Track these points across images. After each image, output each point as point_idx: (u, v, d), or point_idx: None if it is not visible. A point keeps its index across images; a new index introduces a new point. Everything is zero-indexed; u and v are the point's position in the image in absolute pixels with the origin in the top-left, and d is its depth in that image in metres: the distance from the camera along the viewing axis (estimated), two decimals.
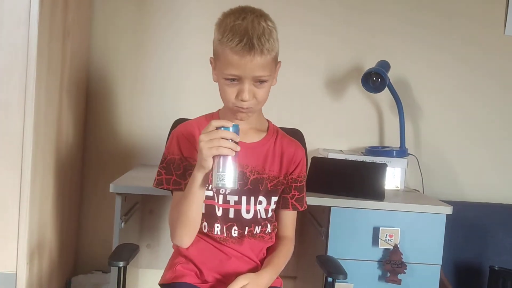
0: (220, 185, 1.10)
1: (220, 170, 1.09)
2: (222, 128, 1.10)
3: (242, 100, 1.19)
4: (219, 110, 1.35)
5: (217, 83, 1.26)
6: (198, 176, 1.14)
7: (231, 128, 1.10)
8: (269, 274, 1.26)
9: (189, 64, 2.17)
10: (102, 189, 2.06)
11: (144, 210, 2.11)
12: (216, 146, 1.08)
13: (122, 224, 1.68)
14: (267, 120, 1.38)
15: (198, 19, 2.16)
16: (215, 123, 1.11)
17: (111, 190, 1.63)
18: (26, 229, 1.54)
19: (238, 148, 1.11)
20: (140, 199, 2.02)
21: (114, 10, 2.14)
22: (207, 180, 1.15)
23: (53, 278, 1.86)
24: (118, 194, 1.65)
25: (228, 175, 1.10)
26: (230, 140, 1.10)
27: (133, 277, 2.03)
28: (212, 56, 1.27)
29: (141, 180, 1.77)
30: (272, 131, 1.36)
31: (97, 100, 2.17)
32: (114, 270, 1.37)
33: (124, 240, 1.69)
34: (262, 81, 1.20)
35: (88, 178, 2.18)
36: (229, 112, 1.26)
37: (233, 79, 1.18)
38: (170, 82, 2.19)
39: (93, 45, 2.14)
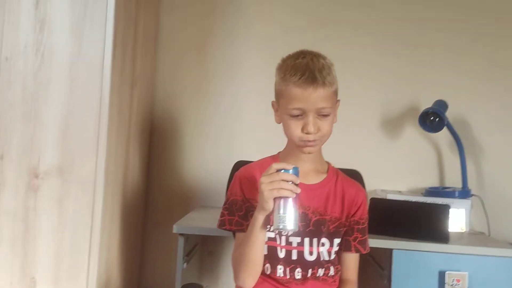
0: (281, 227, 1.12)
1: (281, 212, 1.11)
2: (283, 171, 1.13)
3: (308, 133, 1.23)
4: (280, 152, 1.39)
5: (279, 125, 1.31)
6: (259, 218, 1.17)
7: (291, 171, 1.13)
8: None
9: (248, 108, 2.24)
10: (163, 230, 2.12)
11: (204, 251, 2.15)
12: (277, 188, 1.11)
13: (185, 264, 1.72)
14: (327, 162, 1.40)
15: (255, 64, 2.24)
16: (275, 165, 1.14)
17: (174, 230, 1.68)
18: (96, 268, 1.61)
19: (298, 190, 1.13)
20: (200, 240, 2.06)
21: (177, 58, 2.27)
22: (268, 221, 1.18)
23: None
24: (181, 234, 1.70)
25: (289, 217, 1.11)
26: (291, 182, 1.12)
27: None
28: (274, 100, 1.33)
29: (202, 221, 1.82)
30: (333, 172, 1.37)
31: (160, 143, 2.26)
32: None
33: (185, 281, 1.72)
34: (325, 115, 1.24)
35: (151, 219, 2.25)
36: (295, 148, 1.29)
37: (298, 115, 1.23)
38: (230, 126, 2.26)
39: (157, 91, 2.27)
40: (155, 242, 2.23)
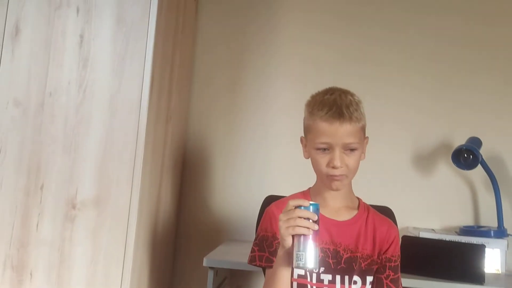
0: (300, 265, 1.11)
1: (300, 249, 1.11)
2: (301, 207, 1.13)
3: (334, 167, 1.24)
4: (310, 188, 1.40)
5: (307, 160, 1.33)
6: (280, 254, 1.17)
7: (309, 207, 1.13)
8: None
9: (278, 143, 2.27)
10: (193, 262, 2.14)
11: (232, 285, 2.14)
12: (293, 226, 1.11)
13: None
14: (358, 198, 1.40)
15: (287, 101, 2.28)
16: (292, 202, 1.14)
17: (204, 264, 1.70)
18: None
19: (315, 227, 1.12)
20: (228, 274, 2.06)
21: (210, 95, 2.33)
22: (291, 258, 1.16)
23: None
24: (211, 268, 1.71)
25: (308, 255, 1.10)
26: (309, 220, 1.11)
27: None
28: (302, 135, 1.36)
29: (231, 255, 1.83)
30: (363, 208, 1.37)
31: (192, 177, 2.30)
32: None
33: None
34: (352, 149, 1.26)
35: (181, 251, 2.26)
36: (323, 184, 1.30)
37: (324, 149, 1.25)
38: (261, 161, 2.28)
39: (191, 127, 2.33)
40: (185, 274, 2.24)
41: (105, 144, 1.68)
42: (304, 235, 1.11)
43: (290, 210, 1.13)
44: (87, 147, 1.68)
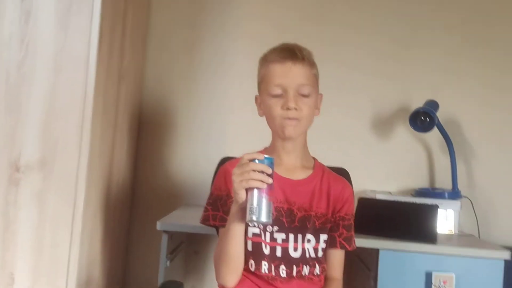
0: (253, 219, 1.07)
1: (253, 203, 1.07)
2: (256, 161, 1.09)
3: (288, 109, 1.22)
4: (265, 148, 1.36)
5: (264, 123, 1.30)
6: (234, 210, 1.14)
7: (264, 161, 1.09)
8: None
9: (237, 106, 2.22)
10: (149, 227, 2.08)
11: (189, 251, 2.12)
12: (246, 179, 1.08)
13: (168, 262, 1.69)
14: (313, 158, 1.38)
15: (245, 62, 2.21)
16: (247, 156, 1.11)
17: (158, 227, 1.66)
18: (76, 264, 1.58)
19: (270, 181, 1.09)
20: (185, 239, 2.03)
21: (167, 55, 2.25)
22: (244, 215, 1.12)
23: None
24: (165, 232, 1.67)
25: (261, 209, 1.07)
26: (263, 173, 1.08)
27: None
28: (257, 94, 1.33)
29: (187, 219, 1.79)
30: (319, 168, 1.35)
31: (148, 140, 2.24)
32: None
33: (169, 279, 1.69)
34: (305, 95, 1.25)
35: (137, 216, 2.22)
36: (277, 135, 1.28)
37: (278, 94, 1.24)
38: (218, 123, 2.24)
39: (146, 87, 2.24)
40: (141, 239, 2.20)
41: (49, 104, 1.58)
42: (258, 188, 1.07)
43: (244, 163, 1.10)
44: (30, 107, 1.58)
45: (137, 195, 2.23)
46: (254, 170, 1.08)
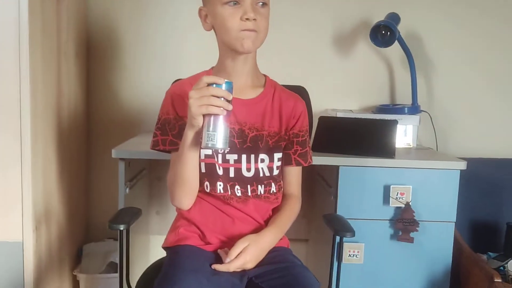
0: (209, 145, 1.04)
1: (210, 129, 1.04)
2: (214, 85, 1.04)
3: (247, 19, 1.14)
4: (213, 67, 1.30)
5: (208, 38, 1.21)
6: (188, 135, 1.10)
7: (223, 86, 1.04)
8: (272, 234, 1.23)
9: (187, 27, 2.10)
10: (107, 156, 2.03)
11: (152, 177, 2.09)
12: (206, 105, 1.03)
13: (127, 190, 1.66)
14: (264, 75, 1.32)
15: None
16: (206, 79, 1.05)
17: (113, 155, 1.61)
18: (30, 196, 1.53)
19: (230, 107, 1.05)
20: (147, 166, 2.00)
21: None
22: (199, 138, 1.10)
23: (63, 246, 1.86)
24: (121, 159, 1.63)
25: (219, 135, 1.04)
26: (222, 99, 1.04)
27: (144, 244, 2.03)
28: (201, 6, 1.23)
29: (144, 145, 1.72)
30: (270, 86, 1.30)
31: (98, 65, 2.12)
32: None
33: (132, 206, 1.67)
34: (263, 3, 1.17)
35: (94, 145, 2.16)
36: (231, 48, 1.19)
37: (235, 1, 1.14)
38: (168, 46, 2.13)
39: (91, 8, 2.08)
40: (100, 168, 2.16)
41: None
42: (215, 114, 1.03)
43: (203, 87, 1.04)
44: None
45: (93, 124, 2.15)
46: (214, 96, 1.03)
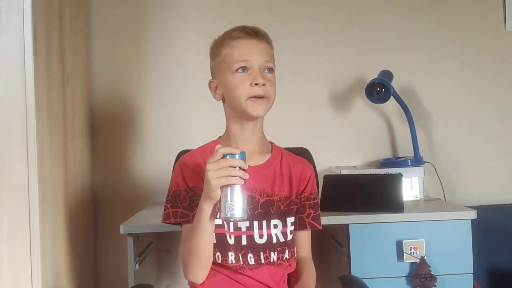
0: (229, 216, 1.05)
1: (229, 200, 1.05)
2: (229, 156, 1.06)
3: (257, 84, 1.19)
4: (220, 136, 1.33)
5: (220, 113, 1.27)
6: (206, 208, 1.10)
7: (238, 156, 1.06)
8: None
9: (190, 94, 2.16)
10: (115, 232, 2.02)
11: (160, 250, 2.07)
12: (225, 176, 1.04)
13: (137, 265, 1.64)
14: (270, 142, 1.35)
15: (192, 45, 2.16)
16: (222, 150, 1.06)
17: (121, 231, 1.60)
18: (39, 279, 1.50)
19: (247, 176, 1.06)
20: (154, 239, 1.98)
21: (111, 50, 2.16)
22: (215, 210, 1.11)
23: None
24: (130, 234, 1.62)
25: (237, 205, 1.05)
26: (238, 168, 1.05)
27: None
28: (211, 79, 1.30)
29: (152, 218, 1.73)
30: (276, 151, 1.32)
31: (104, 142, 2.16)
32: None
33: (142, 282, 1.64)
34: (270, 69, 1.24)
35: (101, 222, 2.15)
36: (241, 115, 1.24)
37: (244, 68, 1.21)
38: (173, 118, 2.18)
39: (94, 88, 2.15)
40: (108, 245, 2.14)
41: None
42: (232, 185, 1.04)
43: (220, 159, 1.05)
44: None
45: (100, 201, 2.15)
46: (231, 166, 1.04)
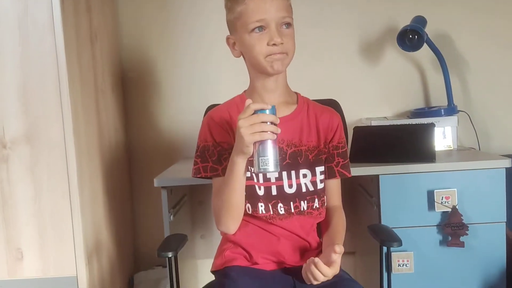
0: (262, 170, 1.07)
1: (262, 154, 1.06)
2: (260, 111, 1.06)
3: (275, 44, 1.17)
4: (245, 91, 1.32)
5: (241, 62, 1.23)
6: (239, 163, 1.11)
7: (268, 110, 1.07)
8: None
9: (218, 55, 2.14)
10: (150, 185, 2.09)
11: (193, 202, 2.13)
12: (259, 132, 1.05)
13: (171, 217, 1.69)
14: (295, 93, 1.34)
15: (222, 11, 2.09)
16: (253, 106, 1.07)
17: (155, 184, 1.65)
18: (81, 232, 1.58)
19: (279, 131, 1.07)
20: (188, 191, 2.03)
21: (138, 6, 2.15)
22: (247, 165, 1.13)
23: (115, 276, 1.91)
24: (163, 187, 1.67)
25: (270, 159, 1.07)
26: (268, 123, 1.06)
27: (192, 269, 2.06)
28: (228, 34, 1.27)
29: (184, 172, 1.77)
30: (302, 102, 1.31)
31: (134, 97, 2.20)
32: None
33: (177, 232, 1.70)
34: (287, 24, 1.20)
35: (136, 175, 2.22)
36: (261, 72, 1.23)
37: (260, 27, 1.18)
38: (201, 74, 2.18)
39: (124, 44, 2.17)
40: (144, 198, 2.21)
41: (22, 76, 1.53)
42: (267, 139, 1.06)
43: (252, 115, 1.06)
44: (4, 83, 1.53)
45: (134, 156, 2.22)
46: (264, 122, 1.05)
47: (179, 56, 2.17)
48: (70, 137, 1.55)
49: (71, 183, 1.57)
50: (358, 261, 2.10)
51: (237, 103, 1.28)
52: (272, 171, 1.08)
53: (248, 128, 1.05)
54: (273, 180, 1.25)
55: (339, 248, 1.10)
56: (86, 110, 1.70)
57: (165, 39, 2.17)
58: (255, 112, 1.06)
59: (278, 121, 1.07)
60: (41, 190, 1.56)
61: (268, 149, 1.06)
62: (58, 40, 1.52)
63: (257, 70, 1.24)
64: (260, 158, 1.07)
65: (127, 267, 2.09)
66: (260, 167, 1.07)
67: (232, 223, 1.23)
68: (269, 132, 1.05)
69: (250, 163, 1.14)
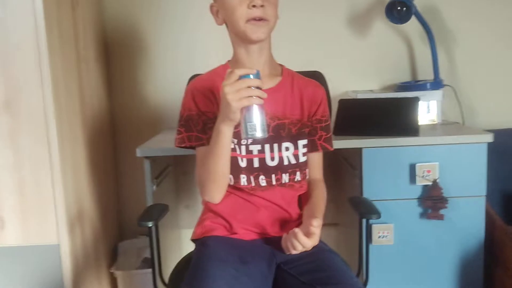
0: (250, 136, 1.06)
1: (250, 120, 1.05)
2: (245, 76, 1.04)
3: (254, 6, 1.14)
4: (229, 61, 1.30)
5: (224, 32, 1.22)
6: (225, 130, 1.10)
7: (253, 75, 1.04)
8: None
9: (200, 24, 2.11)
10: (133, 155, 2.08)
11: (178, 172, 2.13)
12: (246, 97, 1.03)
13: (154, 187, 1.69)
14: (280, 65, 1.32)
15: None
16: (238, 71, 1.04)
17: (138, 154, 1.65)
18: (62, 200, 1.57)
19: (265, 95, 1.05)
20: (172, 162, 2.03)
21: None
22: (233, 132, 1.12)
23: (98, 245, 1.91)
24: (146, 157, 1.66)
25: (258, 124, 1.05)
26: (255, 88, 1.04)
27: (176, 238, 2.07)
28: (211, 2, 1.25)
29: (167, 142, 1.76)
30: (287, 74, 1.30)
31: (118, 65, 2.16)
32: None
33: (160, 202, 1.70)
34: None
35: (120, 144, 2.20)
36: (242, 39, 1.20)
37: None
38: (183, 43, 2.14)
39: (106, 10, 2.11)
40: (128, 167, 2.20)
41: (1, 43, 1.48)
42: (254, 104, 1.04)
43: (238, 80, 1.03)
44: None
45: (117, 124, 2.19)
46: (250, 87, 1.03)
47: (161, 26, 2.13)
48: (51, 105, 1.52)
49: (52, 151, 1.55)
50: (341, 232, 2.12)
51: (221, 73, 1.26)
52: (260, 137, 1.06)
53: (235, 94, 1.03)
54: (255, 152, 1.25)
55: (316, 222, 1.11)
56: (67, 78, 1.66)
57: (147, 9, 2.12)
58: (240, 77, 1.04)
59: (263, 86, 1.05)
60: (22, 158, 1.54)
61: (255, 115, 1.05)
62: (37, 4, 1.47)
63: (239, 38, 1.22)
64: (247, 123, 1.05)
65: (111, 236, 2.09)
66: (248, 133, 1.06)
67: (218, 192, 1.23)
68: (255, 97, 1.03)
69: (233, 134, 1.14)
